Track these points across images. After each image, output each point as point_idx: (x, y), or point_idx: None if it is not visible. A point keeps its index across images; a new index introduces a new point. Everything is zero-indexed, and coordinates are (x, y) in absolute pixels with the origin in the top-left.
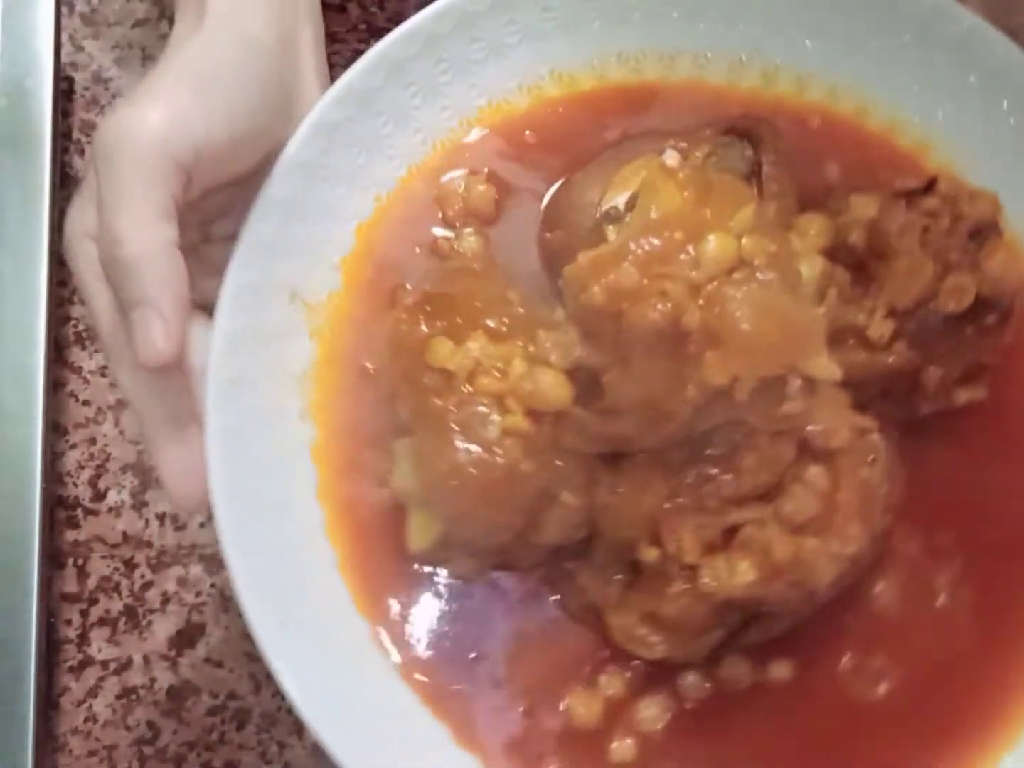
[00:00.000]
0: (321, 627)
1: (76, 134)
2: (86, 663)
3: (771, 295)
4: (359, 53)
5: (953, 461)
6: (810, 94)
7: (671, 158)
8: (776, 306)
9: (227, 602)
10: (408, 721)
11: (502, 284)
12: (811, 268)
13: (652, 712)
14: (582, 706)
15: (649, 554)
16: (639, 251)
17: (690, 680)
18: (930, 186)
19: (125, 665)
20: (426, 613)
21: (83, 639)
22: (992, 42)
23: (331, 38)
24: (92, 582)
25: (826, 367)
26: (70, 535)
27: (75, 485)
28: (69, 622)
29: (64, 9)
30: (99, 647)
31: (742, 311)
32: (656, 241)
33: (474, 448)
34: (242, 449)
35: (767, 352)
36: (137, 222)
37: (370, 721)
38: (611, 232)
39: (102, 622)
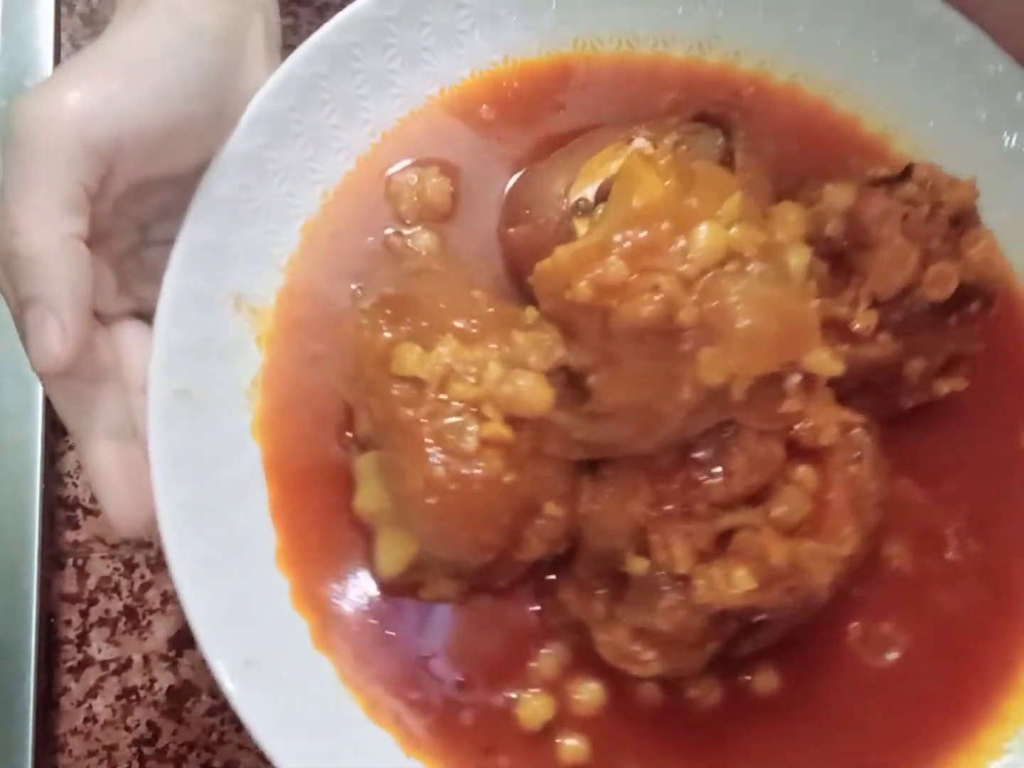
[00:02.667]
0: (276, 659)
1: None
2: (86, 663)
3: (769, 288)
4: None
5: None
6: (777, 77)
7: (641, 146)
8: (775, 299)
9: None
10: (352, 730)
11: (466, 283)
12: (800, 258)
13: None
14: (527, 709)
15: (637, 565)
16: (626, 243)
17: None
18: (906, 173)
19: (125, 665)
20: (370, 620)
21: (83, 639)
22: (960, 30)
23: None
24: (92, 582)
25: (828, 361)
26: (70, 535)
27: (75, 485)
28: (69, 622)
29: (64, 9)
30: (99, 647)
31: (742, 305)
32: (643, 232)
33: (452, 461)
34: (189, 470)
35: (769, 347)
36: (38, 212)
37: (315, 730)
38: (580, 225)
39: (102, 622)
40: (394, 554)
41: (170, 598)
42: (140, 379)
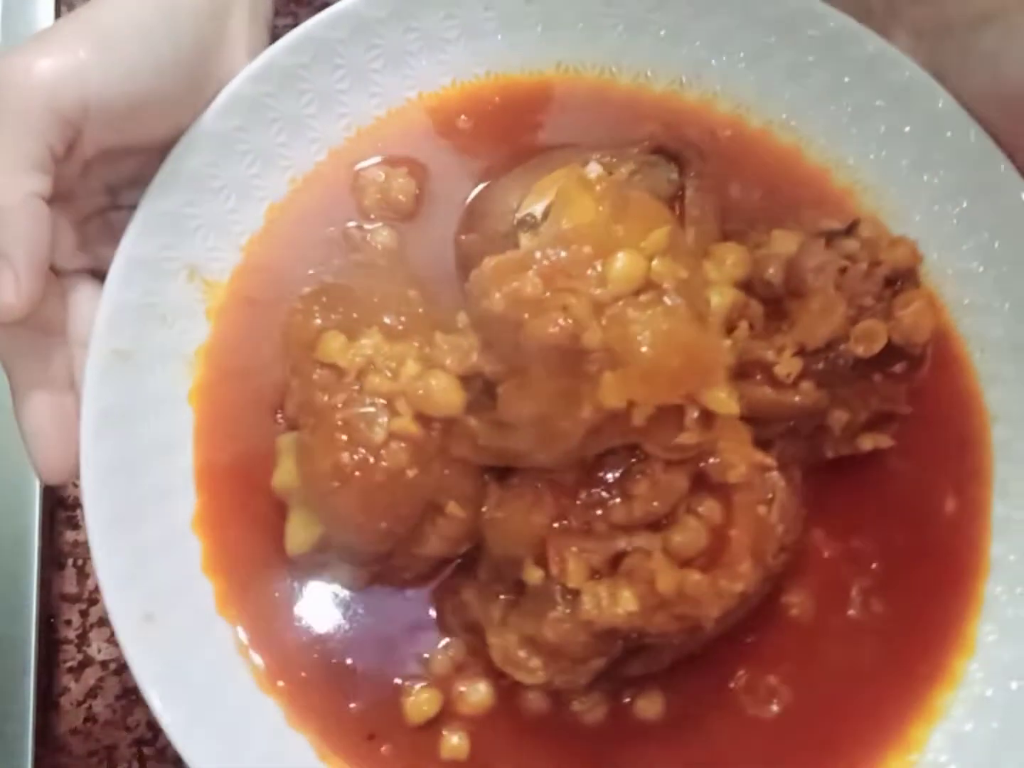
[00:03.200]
0: (176, 618)
1: None
2: (86, 663)
3: (675, 321)
4: None
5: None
6: (751, 123)
7: (593, 170)
8: (679, 333)
9: None
10: (239, 694)
11: (404, 282)
12: (721, 298)
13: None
14: (414, 702)
15: (533, 575)
16: (545, 261)
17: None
18: (851, 228)
19: (125, 665)
20: (275, 594)
21: (83, 639)
22: (931, 92)
23: None
24: (92, 582)
25: (724, 401)
26: (70, 535)
27: (75, 485)
28: (69, 622)
29: (64, 9)
30: (99, 647)
31: (644, 334)
32: (563, 253)
33: (358, 449)
34: (120, 429)
35: (666, 379)
36: (2, 170)
37: (201, 690)
38: (524, 239)
39: (102, 622)
40: (302, 533)
41: None
42: (85, 334)
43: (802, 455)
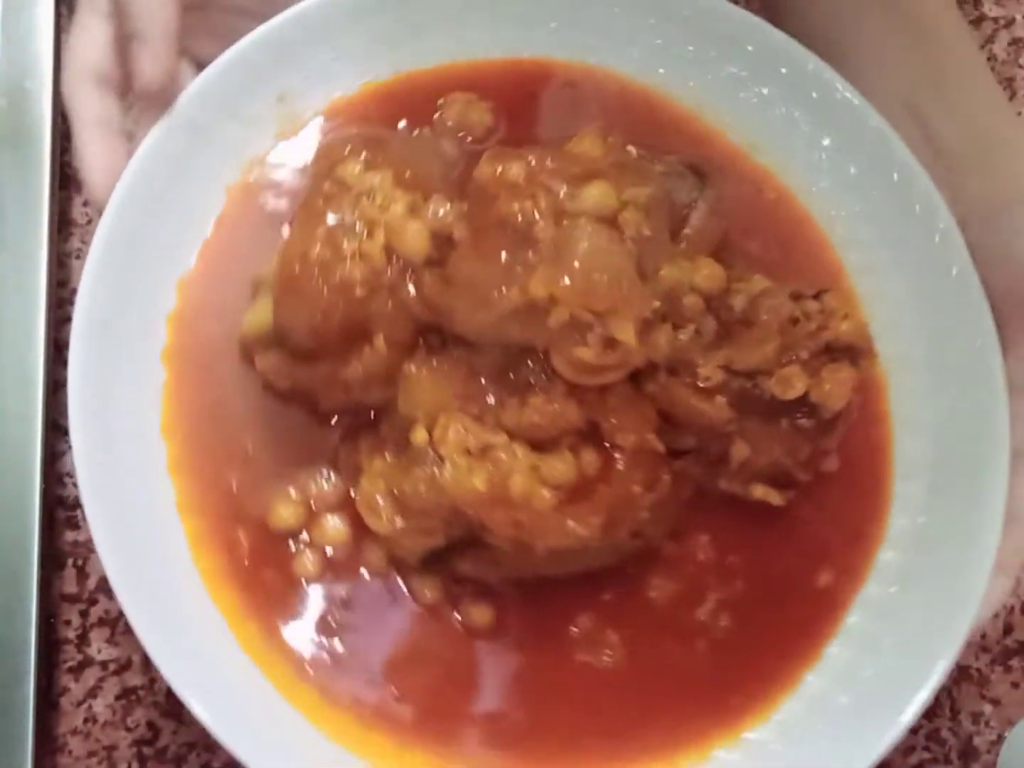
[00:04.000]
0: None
1: None
2: (86, 663)
3: (617, 249)
4: None
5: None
6: (800, 198)
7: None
8: (616, 258)
9: None
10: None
11: (438, 162)
12: (670, 273)
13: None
14: (279, 509)
15: (418, 436)
16: (534, 161)
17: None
18: (818, 295)
19: (125, 665)
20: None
21: (83, 639)
22: (958, 250)
23: None
24: (92, 582)
25: (627, 331)
26: (70, 535)
27: (75, 485)
28: (69, 622)
29: (64, 9)
30: (99, 647)
31: (585, 242)
32: (552, 162)
33: (327, 251)
34: (149, 191)
35: (586, 288)
36: None
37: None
38: None
39: (102, 622)
40: (259, 316)
41: None
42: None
43: (701, 476)
